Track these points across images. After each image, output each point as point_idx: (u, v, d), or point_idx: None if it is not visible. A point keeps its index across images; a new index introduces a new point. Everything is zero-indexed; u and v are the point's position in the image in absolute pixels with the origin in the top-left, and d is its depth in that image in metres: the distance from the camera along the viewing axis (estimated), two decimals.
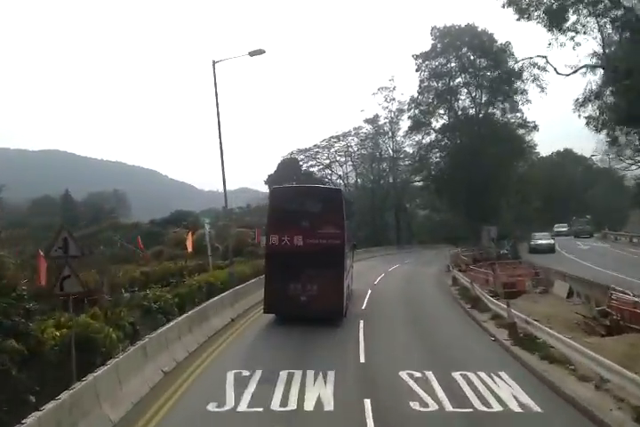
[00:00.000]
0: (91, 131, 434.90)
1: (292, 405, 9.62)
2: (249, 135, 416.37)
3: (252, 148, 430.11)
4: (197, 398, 10.17)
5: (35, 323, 10.31)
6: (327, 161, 71.40)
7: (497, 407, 9.47)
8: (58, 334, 10.36)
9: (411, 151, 69.87)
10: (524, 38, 73.68)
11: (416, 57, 43.14)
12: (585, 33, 31.77)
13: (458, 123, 41.85)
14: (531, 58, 34.92)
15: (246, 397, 9.99)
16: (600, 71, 34.73)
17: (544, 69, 36.73)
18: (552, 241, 38.88)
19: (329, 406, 9.59)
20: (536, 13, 31.12)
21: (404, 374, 11.51)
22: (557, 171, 77.61)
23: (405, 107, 65.74)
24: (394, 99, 65.90)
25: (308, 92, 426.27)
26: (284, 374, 11.46)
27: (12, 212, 77.83)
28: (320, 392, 10.24)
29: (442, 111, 43.07)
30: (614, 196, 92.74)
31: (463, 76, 41.40)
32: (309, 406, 9.58)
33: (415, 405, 9.60)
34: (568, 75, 36.03)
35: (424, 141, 45.11)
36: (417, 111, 43.93)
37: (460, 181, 38.60)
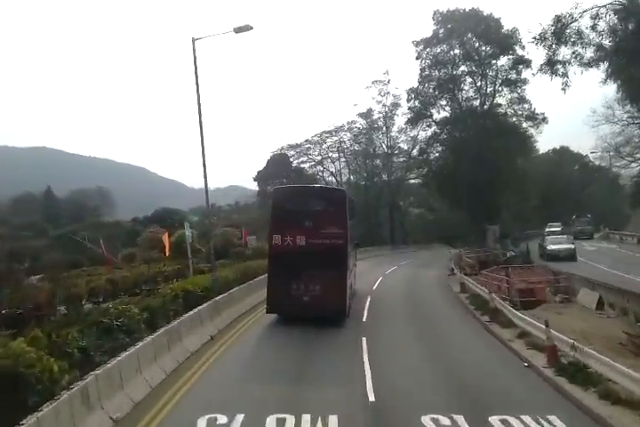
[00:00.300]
0: (79, 128, 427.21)
1: None
2: (239, 131, 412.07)
3: (243, 144, 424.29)
4: None
5: None
6: (319, 157, 68.65)
7: None
8: None
9: (405, 147, 67.64)
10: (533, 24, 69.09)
11: (416, 44, 40.33)
12: None
13: (461, 115, 39.20)
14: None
15: None
16: None
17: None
18: (572, 246, 31.85)
19: None
20: None
21: (427, 421, 8.89)
22: (554, 169, 75.56)
23: (400, 101, 63.65)
24: (388, 93, 63.62)
25: (299, 85, 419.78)
26: (271, 421, 8.81)
27: None
28: None
29: (444, 102, 40.53)
30: (611, 195, 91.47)
31: (467, 64, 38.64)
32: None
33: None
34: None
35: (425, 135, 42.29)
36: (417, 102, 41.37)
37: (463, 178, 35.92)
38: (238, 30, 20.25)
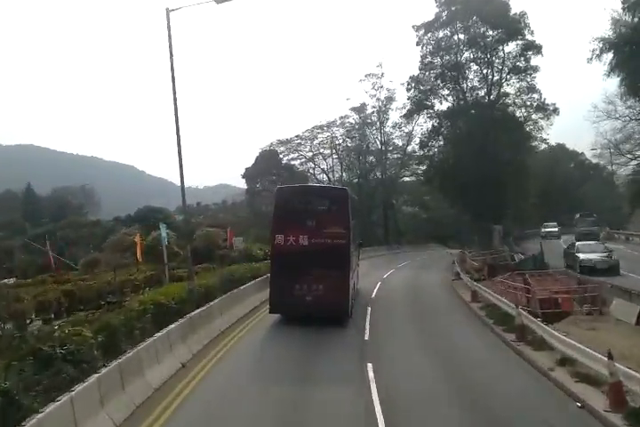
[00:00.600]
0: (67, 126, 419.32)
1: None
2: (230, 127, 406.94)
3: (233, 141, 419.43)
4: None
5: None
6: (310, 154, 65.81)
7: None
8: None
9: (400, 144, 65.11)
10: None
11: (417, 28, 37.25)
12: None
13: (465, 105, 36.49)
14: None
15: None
16: None
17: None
18: (609, 254, 24.63)
19: None
20: None
21: None
22: (551, 166, 73.47)
23: (394, 95, 61.04)
24: (382, 86, 61.11)
25: (290, 78, 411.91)
26: None
27: None
28: None
29: (446, 92, 37.73)
30: (607, 193, 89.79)
31: (472, 50, 35.95)
32: None
33: None
34: None
35: (426, 127, 39.28)
36: (417, 92, 38.63)
37: (468, 173, 33.21)
38: (220, 0, 17.59)
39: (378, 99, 61.81)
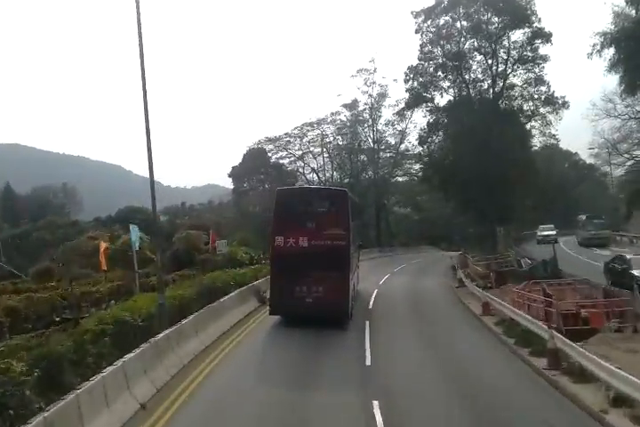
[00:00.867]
0: (53, 125, 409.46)
1: None
2: (218, 126, 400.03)
3: (222, 140, 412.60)
4: None
5: None
6: (299, 152, 63.20)
7: None
8: None
9: (393, 142, 62.89)
10: None
11: (416, 14, 34.60)
12: None
13: (468, 98, 34.08)
14: None
15: None
16: None
17: None
18: None
19: None
20: None
21: None
22: (547, 166, 71.72)
23: (387, 91, 58.81)
24: (374, 82, 58.91)
25: (279, 74, 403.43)
26: None
27: None
28: None
29: (447, 84, 35.19)
30: (600, 194, 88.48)
31: (475, 38, 33.56)
32: None
33: None
34: None
35: (425, 121, 36.55)
36: (416, 83, 36.32)
37: (472, 171, 30.77)
38: None
39: (370, 95, 59.66)
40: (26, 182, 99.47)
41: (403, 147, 61.68)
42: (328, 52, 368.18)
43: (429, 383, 11.38)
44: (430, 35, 34.24)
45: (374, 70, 58.05)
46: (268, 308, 17.56)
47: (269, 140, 62.68)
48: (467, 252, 34.55)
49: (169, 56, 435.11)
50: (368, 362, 12.85)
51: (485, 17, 33.02)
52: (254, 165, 62.03)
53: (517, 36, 32.74)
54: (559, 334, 12.28)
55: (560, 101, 32.79)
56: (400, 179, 66.98)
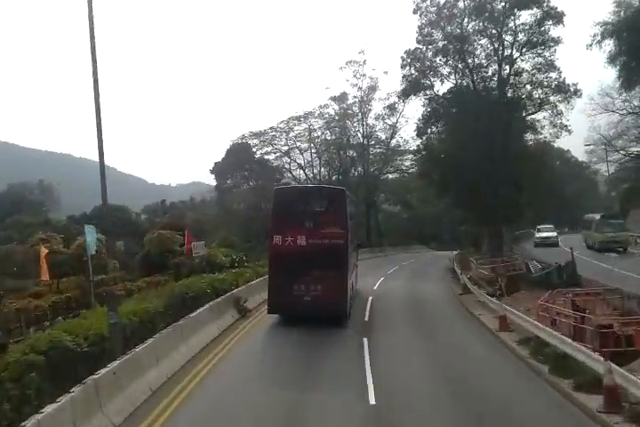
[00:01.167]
0: (37, 122, 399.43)
1: None
2: (204, 123, 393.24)
3: (207, 137, 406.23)
4: None
5: None
6: (286, 147, 60.35)
7: None
8: None
9: (383, 137, 60.32)
10: None
11: None
12: None
13: (471, 85, 31.10)
14: None
15: None
16: None
17: None
18: None
19: None
20: None
21: None
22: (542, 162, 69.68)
23: (378, 83, 56.24)
24: (364, 75, 56.41)
25: (265, 66, 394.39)
26: None
27: None
28: None
29: (448, 70, 32.21)
30: (592, 192, 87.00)
31: (480, 19, 30.52)
32: None
33: None
34: None
35: (424, 111, 33.50)
36: (413, 69, 33.20)
37: (475, 165, 28.08)
38: None
39: (359, 88, 57.12)
40: (8, 180, 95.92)
41: (394, 142, 59.37)
42: (316, 42, 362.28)
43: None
44: (430, 15, 31.42)
45: (364, 62, 55.86)
46: (249, 322, 16.67)
47: (254, 135, 59.75)
48: (463, 252, 31.76)
49: (155, 54, 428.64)
50: (372, 400, 10.08)
51: None
52: (238, 160, 58.89)
53: (525, 17, 30.04)
54: (617, 367, 9.64)
55: (572, 89, 30.22)
56: (390, 176, 64.48)
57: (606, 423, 8.85)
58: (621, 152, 52.52)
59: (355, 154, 60.34)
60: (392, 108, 56.92)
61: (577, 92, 29.96)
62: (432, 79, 31.96)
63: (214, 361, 12.82)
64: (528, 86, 30.22)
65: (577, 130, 37.58)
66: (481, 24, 30.46)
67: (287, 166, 61.34)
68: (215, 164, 60.36)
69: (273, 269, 17.38)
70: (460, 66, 31.27)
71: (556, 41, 29.89)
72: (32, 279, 19.56)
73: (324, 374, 11.86)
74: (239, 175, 61.39)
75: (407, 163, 60.95)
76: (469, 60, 31.13)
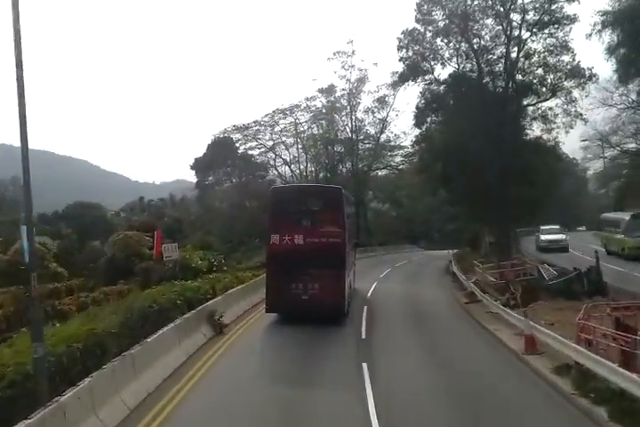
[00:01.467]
0: (16, 118, 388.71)
1: None
2: (189, 119, 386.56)
3: (191, 133, 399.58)
4: None
5: None
6: (270, 142, 57.53)
7: None
8: None
9: (373, 132, 57.76)
10: None
11: None
12: None
13: (477, 69, 28.25)
14: None
15: None
16: None
17: None
18: None
19: None
20: None
21: None
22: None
23: (366, 73, 53.68)
24: (353, 66, 53.78)
25: (248, 57, 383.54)
26: None
27: None
28: None
29: (450, 53, 29.06)
30: (583, 190, 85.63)
31: None
32: None
33: None
34: None
35: (425, 98, 30.40)
36: (411, 52, 29.63)
37: (483, 157, 25.19)
38: None
39: (348, 80, 54.47)
40: None
41: (383, 137, 56.79)
42: (302, 32, 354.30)
43: None
44: None
45: (352, 53, 53.33)
46: (224, 342, 14.62)
47: (237, 129, 56.93)
48: (459, 252, 29.01)
49: (141, 49, 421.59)
50: None
51: None
52: (220, 156, 55.94)
53: None
54: None
55: (587, 74, 27.62)
56: (380, 172, 62.00)
57: None
58: (617, 148, 50.91)
59: (343, 149, 57.66)
60: (382, 102, 54.51)
61: (592, 77, 27.39)
62: (432, 63, 29.16)
63: (175, 400, 9.95)
64: (540, 70, 27.55)
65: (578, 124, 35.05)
66: (487, 1, 27.59)
67: (272, 162, 58.71)
68: (196, 159, 57.33)
69: (271, 268, 17.56)
70: (463, 48, 28.54)
71: (572, 19, 27.18)
72: None
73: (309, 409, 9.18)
74: (221, 172, 58.48)
75: (397, 159, 58.54)
76: (474, 41, 28.38)
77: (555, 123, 27.85)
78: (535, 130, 28.00)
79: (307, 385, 11.00)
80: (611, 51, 35.20)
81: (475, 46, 28.08)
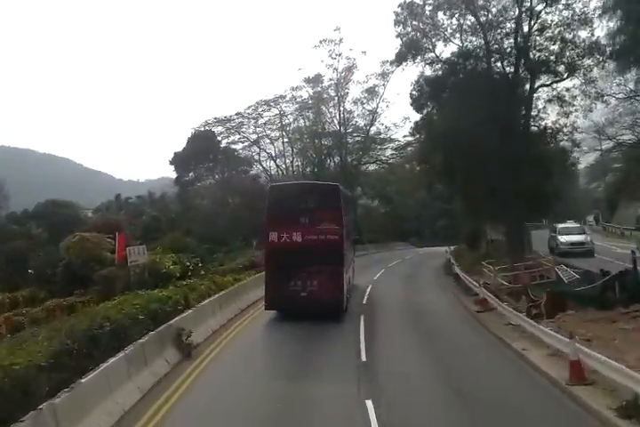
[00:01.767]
0: None
1: None
2: (171, 114, 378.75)
3: (174, 129, 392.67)
4: None
5: None
6: (254, 136, 54.60)
7: None
8: None
9: (362, 124, 55.01)
10: None
11: None
12: None
13: (483, 47, 25.39)
14: None
15: None
16: None
17: None
18: None
19: None
20: None
21: None
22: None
23: (354, 62, 50.97)
24: (340, 55, 50.95)
25: (231, 45, 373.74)
26: None
27: None
28: None
29: (453, 28, 25.63)
30: (572, 184, 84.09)
31: None
32: None
33: None
34: None
35: (423, 80, 27.23)
36: (409, 28, 26.29)
37: (492, 146, 22.35)
38: None
39: (335, 69, 51.62)
40: None
41: (373, 129, 54.07)
42: (288, 19, 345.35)
43: None
44: None
45: (340, 41, 50.52)
46: (192, 369, 12.12)
47: (219, 122, 53.96)
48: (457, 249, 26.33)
49: (126, 44, 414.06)
50: None
51: None
52: (201, 150, 52.80)
53: None
54: None
55: (607, 51, 24.91)
56: (369, 167, 59.35)
57: None
58: (613, 140, 49.15)
59: (331, 143, 54.85)
60: (372, 92, 51.84)
61: (612, 55, 24.77)
62: (433, 40, 26.19)
63: None
64: (556, 46, 24.68)
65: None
66: None
67: (256, 157, 55.86)
68: (175, 154, 54.06)
69: (269, 265, 17.76)
70: (468, 22, 25.62)
71: None
72: None
73: None
74: (203, 167, 55.35)
75: (388, 153, 55.98)
76: (481, 13, 25.41)
77: (573, 105, 25.24)
78: (550, 114, 25.43)
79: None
80: (611, 37, 32.91)
81: (481, 20, 25.19)
